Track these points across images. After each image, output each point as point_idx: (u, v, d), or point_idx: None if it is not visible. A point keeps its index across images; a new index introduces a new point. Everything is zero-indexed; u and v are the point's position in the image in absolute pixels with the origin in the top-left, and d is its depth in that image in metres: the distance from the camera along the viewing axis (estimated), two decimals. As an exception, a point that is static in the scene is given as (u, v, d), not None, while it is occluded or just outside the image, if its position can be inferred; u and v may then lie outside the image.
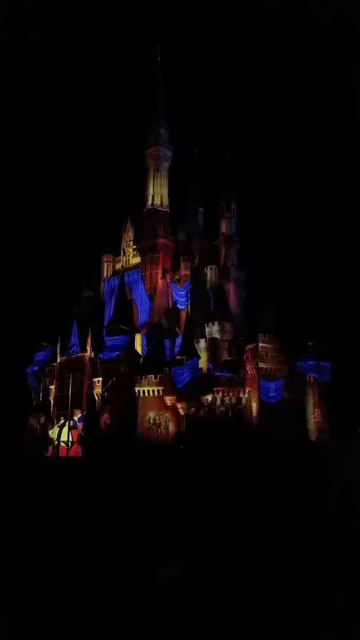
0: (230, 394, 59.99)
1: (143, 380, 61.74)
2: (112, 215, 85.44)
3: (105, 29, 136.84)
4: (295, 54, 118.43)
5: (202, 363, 64.06)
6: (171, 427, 60.29)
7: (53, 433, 68.40)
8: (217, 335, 66.11)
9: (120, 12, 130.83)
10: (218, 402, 59.55)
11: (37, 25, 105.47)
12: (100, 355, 65.08)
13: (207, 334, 66.79)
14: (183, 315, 69.74)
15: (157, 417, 60.87)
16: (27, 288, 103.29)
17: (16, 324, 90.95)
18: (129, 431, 58.50)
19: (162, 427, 60.45)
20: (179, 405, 59.88)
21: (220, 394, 59.76)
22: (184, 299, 70.93)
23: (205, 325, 67.41)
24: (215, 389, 59.82)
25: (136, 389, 61.76)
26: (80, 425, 64.84)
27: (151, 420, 60.91)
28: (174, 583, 26.56)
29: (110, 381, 62.61)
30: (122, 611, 23.50)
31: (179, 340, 65.73)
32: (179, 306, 71.56)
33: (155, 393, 61.21)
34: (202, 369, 63.04)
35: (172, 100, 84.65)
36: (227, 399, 59.72)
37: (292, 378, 61.49)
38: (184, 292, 71.33)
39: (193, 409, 59.37)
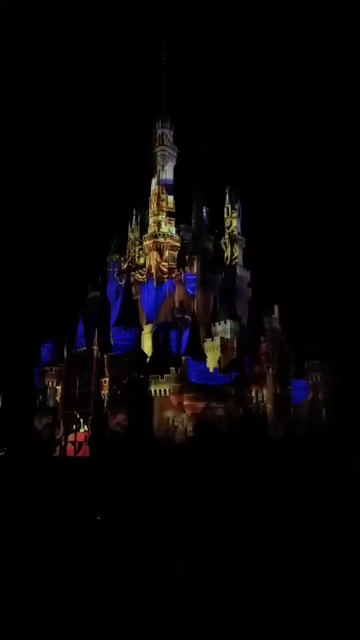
0: (239, 393, 59.89)
1: (150, 381, 61.62)
2: (118, 215, 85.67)
3: (110, 28, 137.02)
4: (299, 51, 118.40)
5: (210, 363, 64.02)
6: (189, 426, 59.53)
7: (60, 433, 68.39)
8: (224, 335, 66.11)
9: (125, 12, 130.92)
10: (227, 401, 59.45)
11: (41, 22, 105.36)
12: (107, 355, 65.03)
13: (213, 333, 66.79)
14: (190, 314, 69.78)
15: (172, 417, 60.27)
16: (34, 289, 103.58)
17: (22, 325, 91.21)
18: (145, 431, 58.08)
19: (176, 426, 59.78)
20: (186, 405, 59.73)
21: (228, 394, 59.66)
22: (190, 299, 70.95)
23: (212, 324, 67.43)
24: (223, 388, 59.77)
25: (147, 388, 61.55)
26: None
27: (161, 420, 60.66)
28: (186, 579, 26.61)
29: (124, 381, 61.88)
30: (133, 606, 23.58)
31: (185, 340, 65.71)
32: (185, 306, 71.53)
33: (163, 393, 61.08)
34: (209, 368, 63.01)
35: (177, 100, 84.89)
36: (235, 399, 59.62)
37: (300, 377, 61.51)
38: (190, 292, 71.34)
39: (201, 409, 59.24)
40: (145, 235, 77.79)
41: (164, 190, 78.55)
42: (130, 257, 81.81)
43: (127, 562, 27.61)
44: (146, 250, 76.90)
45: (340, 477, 42.77)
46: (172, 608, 22.48)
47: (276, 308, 62.18)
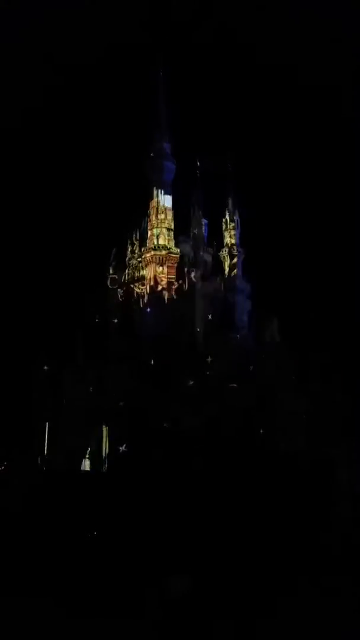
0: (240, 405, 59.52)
1: (151, 394, 61.23)
2: (117, 228, 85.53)
3: (106, 41, 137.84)
4: (300, 62, 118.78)
5: (210, 375, 63.74)
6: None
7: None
8: (223, 347, 65.88)
9: (122, 25, 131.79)
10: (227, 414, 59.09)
11: (35, 32, 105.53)
12: (108, 369, 64.88)
13: (213, 345, 66.53)
14: (189, 327, 69.59)
15: None
16: (33, 300, 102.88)
17: (18, 340, 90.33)
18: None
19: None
20: (187, 419, 59.38)
21: (229, 406, 59.34)
22: (189, 311, 70.83)
23: (211, 337, 67.21)
24: (224, 401, 59.46)
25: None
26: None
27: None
28: (184, 595, 26.25)
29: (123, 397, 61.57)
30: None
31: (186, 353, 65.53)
32: (184, 318, 71.38)
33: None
34: (210, 381, 62.71)
35: (175, 112, 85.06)
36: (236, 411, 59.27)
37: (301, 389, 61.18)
38: (189, 304, 71.24)
39: (201, 422, 58.85)
40: (144, 248, 77.86)
41: (163, 203, 78.70)
42: (129, 270, 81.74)
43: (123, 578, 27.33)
44: (145, 262, 76.95)
45: (341, 490, 42.49)
46: (168, 627, 22.20)
47: (276, 320, 62.18)
